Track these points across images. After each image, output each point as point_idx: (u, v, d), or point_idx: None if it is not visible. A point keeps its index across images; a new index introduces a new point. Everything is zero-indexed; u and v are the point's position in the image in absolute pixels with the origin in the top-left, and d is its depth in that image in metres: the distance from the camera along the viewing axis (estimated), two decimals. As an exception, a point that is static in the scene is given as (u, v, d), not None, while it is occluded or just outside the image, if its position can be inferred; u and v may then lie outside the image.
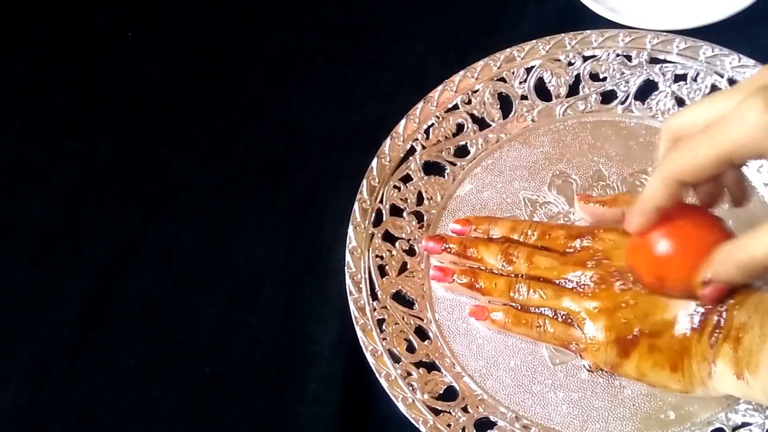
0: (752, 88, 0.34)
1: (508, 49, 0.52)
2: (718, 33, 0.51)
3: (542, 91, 0.51)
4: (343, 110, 0.53)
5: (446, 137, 0.50)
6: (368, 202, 0.48)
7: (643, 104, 0.50)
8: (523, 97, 0.51)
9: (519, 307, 0.44)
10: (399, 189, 0.49)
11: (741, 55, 0.49)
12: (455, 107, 0.51)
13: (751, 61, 0.49)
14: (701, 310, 0.39)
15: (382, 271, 0.47)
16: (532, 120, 0.51)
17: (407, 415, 0.42)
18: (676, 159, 0.36)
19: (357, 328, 0.44)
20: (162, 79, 0.56)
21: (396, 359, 0.44)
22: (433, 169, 0.50)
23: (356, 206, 0.48)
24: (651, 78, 0.51)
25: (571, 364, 0.43)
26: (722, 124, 0.34)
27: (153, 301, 0.48)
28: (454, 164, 0.50)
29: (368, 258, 0.47)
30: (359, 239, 0.47)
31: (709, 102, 0.36)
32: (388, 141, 0.50)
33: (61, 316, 0.48)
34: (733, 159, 0.35)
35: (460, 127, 0.51)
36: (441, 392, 0.43)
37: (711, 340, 0.39)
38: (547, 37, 0.52)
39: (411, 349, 0.44)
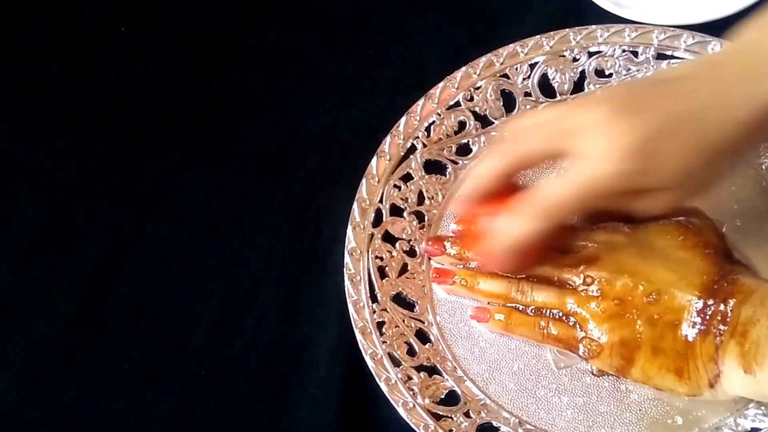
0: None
1: (511, 45, 0.51)
2: (726, 28, 0.50)
3: (546, 88, 0.51)
4: (342, 107, 0.53)
5: (448, 135, 0.50)
6: (368, 202, 0.48)
7: (650, 101, 0.50)
8: (527, 94, 0.51)
9: (521, 309, 0.44)
10: (399, 188, 0.49)
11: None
12: (457, 104, 0.51)
13: (760, 57, 0.49)
14: (705, 310, 0.39)
15: (382, 273, 0.46)
16: (536, 117, 0.50)
17: (408, 421, 0.42)
18: (513, 143, 0.41)
19: (356, 331, 0.44)
20: (156, 75, 0.56)
21: (396, 363, 0.43)
22: (434, 167, 0.50)
23: (355, 206, 0.48)
24: (658, 74, 0.50)
25: (576, 368, 0.43)
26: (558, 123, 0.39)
27: (147, 304, 0.48)
28: (455, 163, 0.50)
29: (368, 259, 0.46)
30: (358, 240, 0.47)
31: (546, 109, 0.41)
32: (388, 139, 0.50)
33: (52, 318, 0.48)
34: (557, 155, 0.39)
35: (461, 125, 0.51)
36: (442, 397, 0.43)
37: (717, 340, 0.38)
38: (552, 33, 0.52)
39: (411, 352, 0.44)
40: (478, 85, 0.51)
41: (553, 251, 0.42)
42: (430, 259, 0.47)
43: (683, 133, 0.37)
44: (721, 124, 0.37)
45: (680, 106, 0.37)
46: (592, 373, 0.43)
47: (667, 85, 0.38)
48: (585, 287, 0.42)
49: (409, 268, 0.47)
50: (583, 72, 0.51)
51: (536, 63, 0.51)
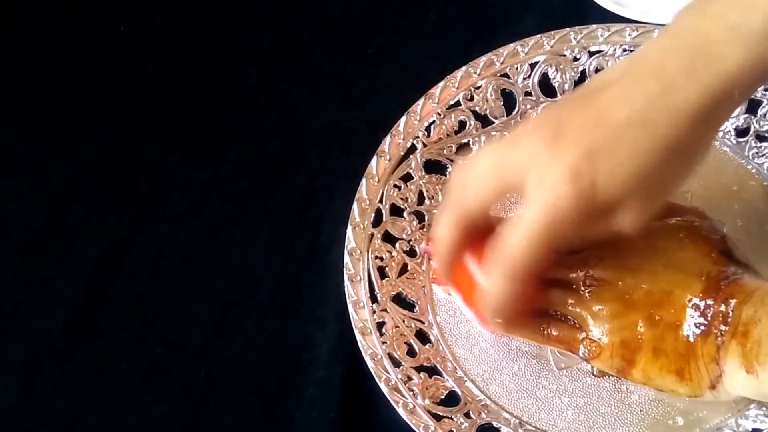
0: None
1: (511, 44, 0.51)
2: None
3: (547, 88, 0.51)
4: (342, 107, 0.53)
5: (448, 135, 0.50)
6: (368, 202, 0.48)
7: (651, 101, 0.50)
8: (527, 94, 0.51)
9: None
10: (399, 188, 0.48)
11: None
12: (457, 104, 0.51)
13: (762, 57, 0.48)
14: (706, 311, 0.39)
15: (382, 273, 0.46)
16: (537, 117, 0.50)
17: (408, 421, 0.42)
18: (461, 197, 0.38)
19: (356, 332, 0.44)
20: (155, 75, 0.56)
21: (396, 363, 0.43)
22: (434, 167, 0.49)
23: (355, 206, 0.47)
24: (659, 74, 0.50)
25: (577, 369, 0.43)
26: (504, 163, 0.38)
27: (146, 304, 0.48)
28: (456, 163, 0.49)
29: (367, 259, 0.46)
30: (358, 240, 0.46)
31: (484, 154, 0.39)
32: (388, 138, 0.49)
33: (51, 319, 0.47)
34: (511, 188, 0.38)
35: (462, 125, 0.50)
36: (442, 397, 0.43)
37: (718, 341, 0.38)
38: (552, 32, 0.51)
39: (411, 353, 0.44)
40: (478, 84, 0.51)
41: (544, 284, 0.41)
42: (430, 259, 0.47)
43: (627, 140, 0.35)
44: (668, 123, 0.35)
45: (618, 113, 0.35)
46: (593, 374, 0.42)
47: (597, 96, 0.36)
48: (586, 288, 0.41)
49: (409, 268, 0.46)
50: (583, 71, 0.51)
51: (537, 62, 0.51)
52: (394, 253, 0.47)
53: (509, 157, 0.37)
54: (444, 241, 0.39)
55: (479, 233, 0.39)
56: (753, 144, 0.48)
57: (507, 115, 0.50)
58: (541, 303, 0.41)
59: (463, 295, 0.43)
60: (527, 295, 0.39)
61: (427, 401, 0.42)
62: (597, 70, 0.50)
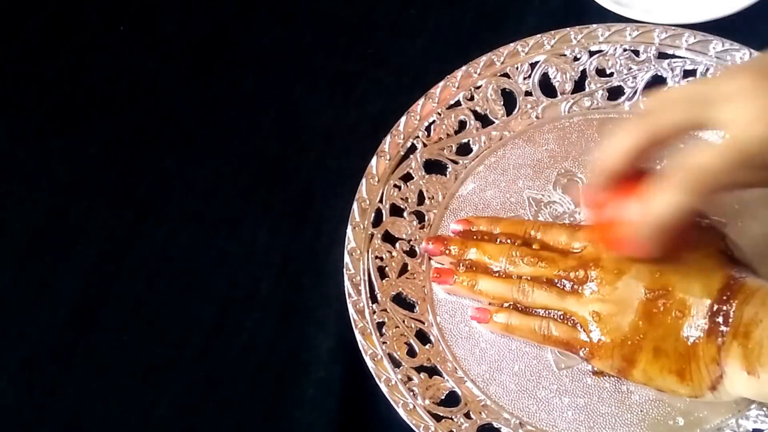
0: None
1: (511, 44, 0.51)
2: (728, 27, 0.50)
3: (547, 87, 0.51)
4: (342, 107, 0.53)
5: (448, 135, 0.50)
6: (368, 202, 0.48)
7: (651, 101, 0.50)
8: (528, 93, 0.51)
9: (522, 309, 0.43)
10: (399, 188, 0.48)
11: (752, 50, 0.49)
12: (457, 104, 0.50)
13: (763, 56, 0.48)
14: (708, 310, 0.39)
15: (382, 273, 0.46)
16: (537, 117, 0.50)
17: (408, 422, 0.42)
18: (655, 115, 0.37)
19: (356, 332, 0.44)
20: (155, 75, 0.56)
21: (396, 363, 0.43)
22: (434, 167, 0.49)
23: (355, 206, 0.47)
24: (659, 73, 0.50)
25: (577, 369, 0.43)
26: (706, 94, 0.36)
27: (146, 304, 0.48)
28: (456, 162, 0.49)
29: (368, 259, 0.46)
30: (358, 240, 0.46)
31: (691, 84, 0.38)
32: (388, 138, 0.49)
33: (50, 319, 0.48)
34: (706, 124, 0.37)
35: (462, 125, 0.50)
36: (443, 398, 0.43)
37: (719, 341, 0.38)
38: (552, 32, 0.51)
39: (412, 353, 0.44)
40: (478, 84, 0.51)
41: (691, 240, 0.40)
42: (430, 259, 0.47)
43: None
44: None
45: None
46: (593, 374, 0.42)
47: None
48: (586, 288, 0.41)
49: (409, 268, 0.46)
50: (584, 71, 0.50)
51: (537, 62, 0.51)
52: (394, 253, 0.47)
53: (712, 87, 0.37)
54: (620, 148, 0.38)
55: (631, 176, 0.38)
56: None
57: (507, 115, 0.50)
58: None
59: (601, 227, 0.41)
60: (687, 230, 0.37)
61: (427, 401, 0.42)
62: (597, 70, 0.50)
